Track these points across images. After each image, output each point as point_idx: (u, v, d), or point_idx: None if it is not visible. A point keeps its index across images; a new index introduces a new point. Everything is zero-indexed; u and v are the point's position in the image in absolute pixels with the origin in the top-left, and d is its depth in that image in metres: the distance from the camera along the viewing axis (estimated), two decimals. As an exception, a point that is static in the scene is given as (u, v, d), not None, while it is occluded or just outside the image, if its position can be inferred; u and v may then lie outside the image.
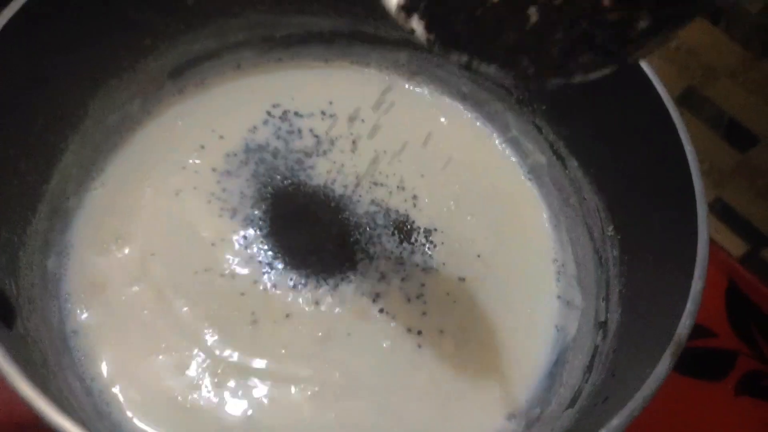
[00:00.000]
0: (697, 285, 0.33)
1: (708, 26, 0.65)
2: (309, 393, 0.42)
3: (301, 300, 0.45)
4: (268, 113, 0.54)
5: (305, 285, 0.45)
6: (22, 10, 0.38)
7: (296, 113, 0.54)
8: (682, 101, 0.71)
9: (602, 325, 0.45)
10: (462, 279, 0.48)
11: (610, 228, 0.47)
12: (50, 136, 0.44)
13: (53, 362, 0.38)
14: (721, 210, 0.75)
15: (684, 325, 0.32)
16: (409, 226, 0.49)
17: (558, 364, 0.46)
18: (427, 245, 0.49)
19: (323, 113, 0.54)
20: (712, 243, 0.73)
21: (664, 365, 0.31)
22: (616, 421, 0.28)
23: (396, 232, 0.49)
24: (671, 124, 0.39)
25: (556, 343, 0.47)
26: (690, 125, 0.70)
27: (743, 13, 0.62)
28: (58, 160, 0.45)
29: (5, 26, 0.38)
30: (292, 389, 0.42)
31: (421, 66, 0.57)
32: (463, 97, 0.57)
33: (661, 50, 0.68)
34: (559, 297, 0.49)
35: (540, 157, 0.54)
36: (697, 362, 0.61)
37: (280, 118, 0.53)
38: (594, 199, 0.49)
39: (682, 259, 0.35)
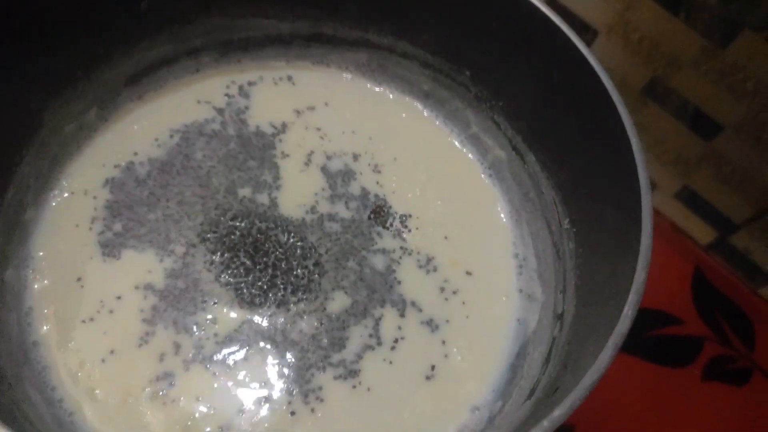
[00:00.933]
0: (639, 276, 0.33)
1: (668, 16, 0.65)
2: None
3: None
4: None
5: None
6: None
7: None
8: (646, 92, 0.71)
9: (559, 317, 0.45)
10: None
11: (567, 221, 0.47)
12: (4, 149, 0.44)
13: (11, 374, 0.39)
14: (688, 198, 0.76)
15: (626, 316, 0.32)
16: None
17: (519, 356, 0.47)
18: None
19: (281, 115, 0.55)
20: (680, 231, 0.74)
21: (605, 355, 0.31)
22: (557, 412, 0.29)
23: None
24: (619, 121, 0.39)
25: (518, 336, 0.48)
26: (656, 116, 0.72)
27: (703, 3, 0.63)
28: (14, 172, 0.45)
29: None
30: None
31: (382, 65, 0.57)
32: (425, 96, 0.58)
33: (625, 42, 0.69)
34: (520, 291, 0.50)
35: (500, 153, 0.54)
36: (664, 349, 0.62)
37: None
38: (551, 193, 0.49)
39: (630, 251, 0.36)
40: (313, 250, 0.48)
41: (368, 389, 0.44)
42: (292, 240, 0.48)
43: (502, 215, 0.53)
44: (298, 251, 0.48)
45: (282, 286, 0.46)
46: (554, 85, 0.48)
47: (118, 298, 0.45)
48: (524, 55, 0.49)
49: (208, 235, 0.48)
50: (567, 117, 0.47)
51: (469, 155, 0.56)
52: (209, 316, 0.45)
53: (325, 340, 0.45)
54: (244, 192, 0.50)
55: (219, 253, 0.47)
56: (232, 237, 0.48)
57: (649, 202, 0.36)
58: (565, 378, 0.36)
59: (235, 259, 0.47)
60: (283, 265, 0.47)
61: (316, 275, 0.47)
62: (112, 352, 0.43)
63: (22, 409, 0.37)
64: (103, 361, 0.43)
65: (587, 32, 0.72)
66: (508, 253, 0.52)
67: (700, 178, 0.74)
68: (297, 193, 0.51)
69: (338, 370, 0.44)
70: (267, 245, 0.48)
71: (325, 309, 0.46)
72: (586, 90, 0.44)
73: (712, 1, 0.62)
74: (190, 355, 0.43)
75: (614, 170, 0.41)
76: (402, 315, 0.47)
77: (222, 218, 0.49)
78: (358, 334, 0.46)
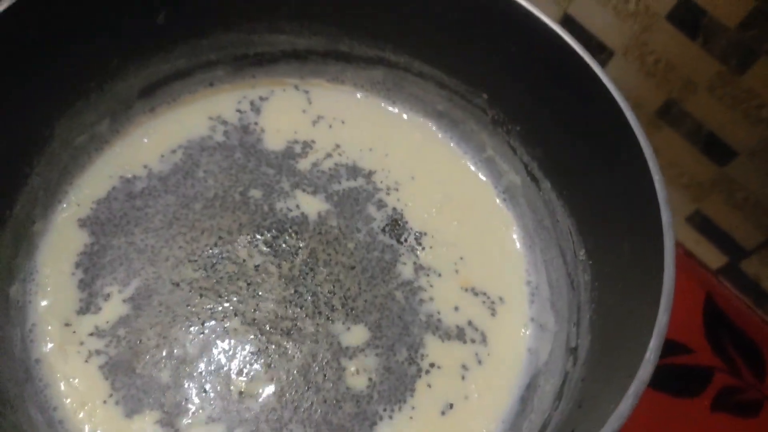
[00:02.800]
0: (662, 319, 0.33)
1: (686, 40, 0.65)
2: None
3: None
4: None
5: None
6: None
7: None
8: (661, 115, 0.71)
9: (573, 351, 0.44)
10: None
11: (582, 252, 0.46)
12: (15, 161, 0.43)
13: (13, 394, 0.38)
14: (700, 223, 0.75)
15: (648, 362, 0.32)
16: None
17: (530, 388, 0.46)
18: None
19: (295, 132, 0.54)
20: (691, 256, 0.73)
21: (626, 404, 0.30)
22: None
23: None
24: (640, 153, 0.39)
25: (529, 367, 0.47)
26: (669, 139, 0.71)
27: (721, 29, 0.62)
28: (23, 184, 0.44)
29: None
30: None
31: (397, 84, 0.57)
32: (438, 116, 0.57)
33: (641, 64, 0.68)
34: (532, 319, 0.49)
35: (514, 178, 0.54)
36: (674, 378, 0.61)
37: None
38: (567, 222, 0.49)
39: (649, 291, 0.35)
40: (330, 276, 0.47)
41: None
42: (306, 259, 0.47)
43: (516, 240, 0.53)
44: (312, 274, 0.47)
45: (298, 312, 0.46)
46: (572, 112, 0.47)
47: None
48: (542, 80, 0.48)
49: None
50: (585, 145, 0.46)
51: (483, 178, 0.55)
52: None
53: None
54: (256, 202, 0.50)
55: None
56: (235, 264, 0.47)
57: (671, 240, 0.35)
58: (580, 419, 0.35)
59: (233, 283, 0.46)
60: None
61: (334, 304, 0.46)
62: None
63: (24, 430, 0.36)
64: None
65: (603, 52, 0.71)
66: (521, 280, 0.51)
67: (712, 203, 0.73)
68: (312, 207, 0.50)
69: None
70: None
71: (340, 343, 0.45)
72: (604, 119, 0.44)
73: (731, 27, 0.62)
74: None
75: (634, 204, 0.40)
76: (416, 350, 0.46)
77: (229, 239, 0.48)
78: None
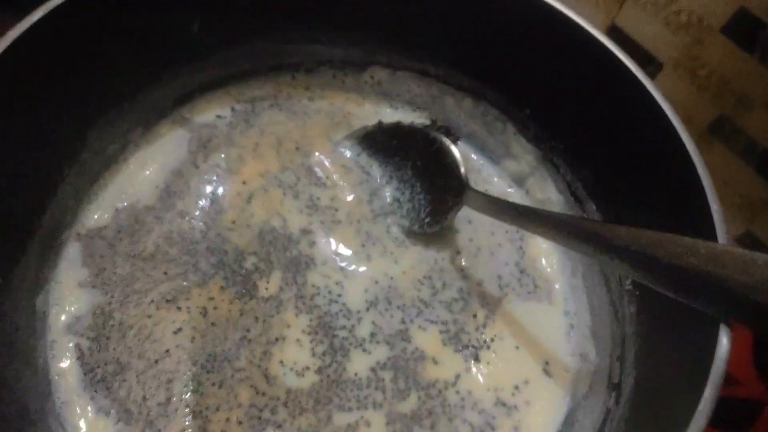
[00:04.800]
0: (717, 368, 0.30)
1: (743, 54, 0.62)
2: None
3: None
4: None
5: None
6: (20, 39, 0.37)
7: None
8: (713, 131, 0.68)
9: (615, 387, 0.42)
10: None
11: (628, 281, 0.44)
12: (47, 169, 0.43)
13: (34, 408, 0.37)
14: (750, 244, 0.71)
15: (701, 414, 0.29)
16: None
17: (567, 423, 0.44)
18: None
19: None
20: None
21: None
22: None
23: None
24: (697, 181, 0.36)
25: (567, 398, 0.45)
26: (721, 155, 0.68)
27: (781, 42, 0.59)
28: (54, 192, 0.44)
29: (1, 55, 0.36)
30: None
31: (434, 96, 0.55)
32: (477, 129, 0.55)
33: (693, 77, 0.65)
34: (569, 347, 0.47)
35: (557, 197, 0.51)
36: (720, 411, 0.58)
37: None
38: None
39: (702, 332, 0.32)
40: None
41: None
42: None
43: (556, 262, 0.50)
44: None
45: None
46: (620, 130, 0.45)
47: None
48: (588, 95, 0.46)
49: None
50: (633, 166, 0.44)
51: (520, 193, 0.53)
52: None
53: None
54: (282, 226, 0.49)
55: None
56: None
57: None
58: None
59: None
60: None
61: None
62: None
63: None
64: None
65: (651, 64, 0.68)
66: (559, 309, 0.49)
67: (763, 224, 0.70)
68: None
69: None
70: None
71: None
72: (655, 138, 0.41)
73: (792, 40, 0.58)
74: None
75: (686, 235, 0.37)
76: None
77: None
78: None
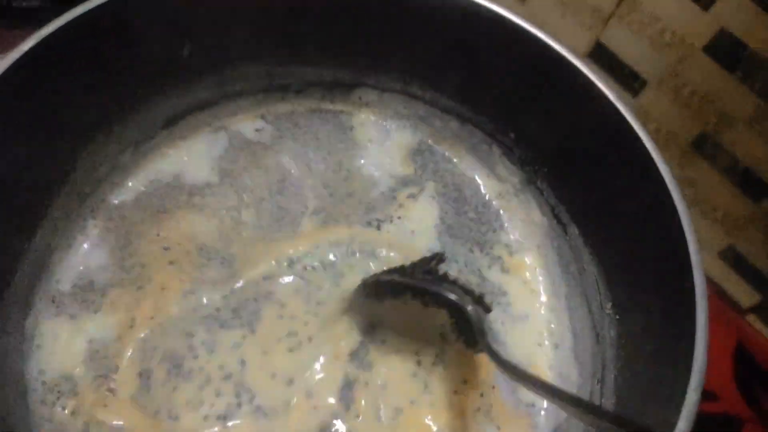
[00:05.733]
0: (691, 398, 0.31)
1: (723, 73, 0.63)
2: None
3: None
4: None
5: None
6: (10, 69, 0.37)
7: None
8: (696, 147, 0.69)
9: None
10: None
11: (609, 305, 0.45)
12: (36, 192, 0.43)
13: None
14: (733, 259, 0.73)
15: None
16: None
17: None
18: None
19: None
20: (722, 296, 0.71)
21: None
22: None
23: None
24: (674, 211, 0.37)
25: (549, 419, 0.46)
26: (703, 172, 0.69)
27: (762, 63, 0.60)
28: (44, 214, 0.44)
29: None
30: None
31: (422, 118, 0.56)
32: (463, 152, 0.56)
33: (676, 95, 0.67)
34: (550, 367, 0.48)
35: (540, 219, 0.52)
36: (701, 427, 0.59)
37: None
38: (594, 271, 0.47)
39: (680, 359, 0.33)
40: None
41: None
42: None
43: (540, 283, 0.51)
44: None
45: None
46: (601, 156, 0.46)
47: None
48: (570, 120, 0.47)
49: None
50: (614, 191, 0.45)
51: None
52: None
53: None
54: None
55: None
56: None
57: (704, 310, 0.34)
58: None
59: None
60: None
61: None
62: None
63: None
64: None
65: (635, 81, 0.69)
66: (542, 325, 0.50)
67: (746, 239, 0.71)
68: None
69: None
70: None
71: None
72: (634, 166, 0.42)
73: (772, 61, 0.59)
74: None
75: (665, 264, 0.39)
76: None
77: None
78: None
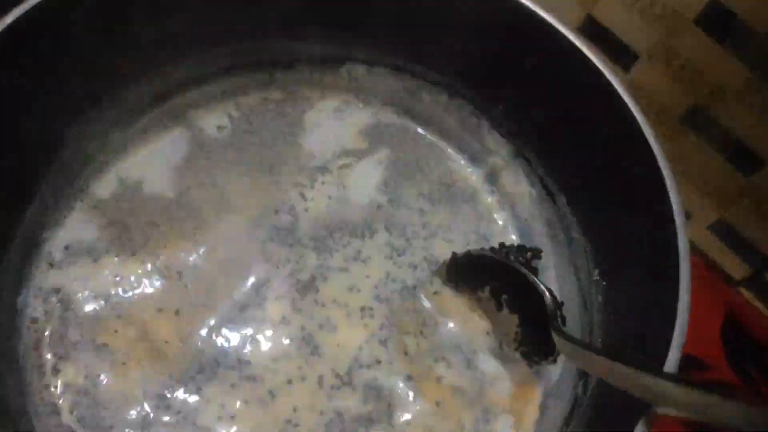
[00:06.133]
0: (674, 355, 0.32)
1: (714, 45, 0.63)
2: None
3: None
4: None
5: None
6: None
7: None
8: (687, 121, 0.69)
9: (583, 375, 0.43)
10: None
11: (596, 272, 0.45)
12: (25, 169, 0.43)
13: (17, 410, 0.38)
14: (724, 232, 0.73)
15: (656, 400, 0.31)
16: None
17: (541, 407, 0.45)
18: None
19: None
20: (712, 267, 0.71)
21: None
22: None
23: None
24: (661, 181, 0.37)
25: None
26: (695, 145, 0.69)
27: (751, 34, 0.60)
28: (34, 191, 0.44)
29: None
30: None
31: (411, 93, 0.56)
32: (450, 126, 0.56)
33: (667, 68, 0.67)
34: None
35: (528, 190, 0.53)
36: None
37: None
38: (582, 240, 0.48)
39: (664, 322, 0.34)
40: None
41: None
42: None
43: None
44: None
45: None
46: (590, 126, 0.46)
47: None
48: (559, 91, 0.47)
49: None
50: (602, 160, 0.45)
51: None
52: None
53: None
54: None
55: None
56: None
57: (687, 272, 0.34)
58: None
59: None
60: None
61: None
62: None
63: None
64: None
65: (627, 55, 0.69)
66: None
67: (737, 212, 0.71)
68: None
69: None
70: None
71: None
72: (622, 135, 0.42)
73: (762, 33, 0.59)
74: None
75: (650, 228, 0.39)
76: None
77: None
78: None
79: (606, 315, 0.43)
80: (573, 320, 0.47)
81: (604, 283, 0.44)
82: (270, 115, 0.54)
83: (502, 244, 0.48)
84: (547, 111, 0.49)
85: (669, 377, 0.29)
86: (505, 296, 0.45)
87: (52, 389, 0.41)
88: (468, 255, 0.47)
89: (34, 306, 0.44)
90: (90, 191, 0.49)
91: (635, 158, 0.41)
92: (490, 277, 0.45)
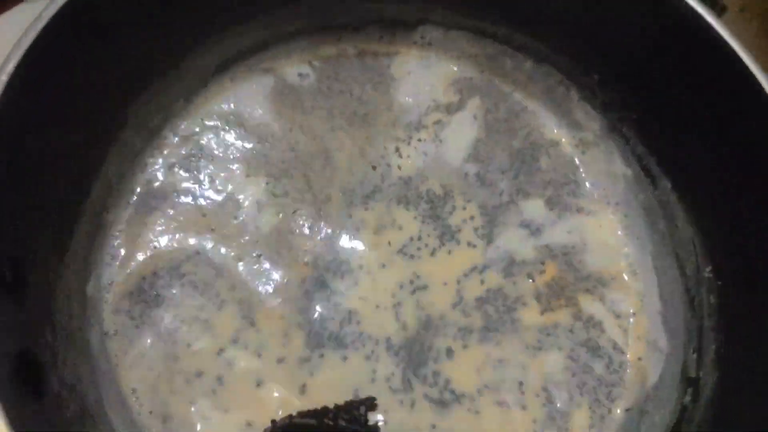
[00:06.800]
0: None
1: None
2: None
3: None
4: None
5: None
6: (56, 16, 0.34)
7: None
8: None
9: (692, 383, 0.40)
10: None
11: (708, 269, 0.41)
12: (89, 150, 0.41)
13: (92, 402, 0.37)
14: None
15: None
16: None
17: (636, 411, 0.42)
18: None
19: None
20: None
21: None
22: None
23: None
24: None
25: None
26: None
27: None
28: (97, 173, 0.42)
29: (38, 36, 0.33)
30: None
31: (493, 58, 0.51)
32: (538, 96, 0.51)
33: (762, 20, 0.59)
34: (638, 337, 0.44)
35: (624, 169, 0.48)
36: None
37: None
38: (689, 230, 0.43)
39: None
40: None
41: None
42: None
43: (620, 231, 0.47)
44: None
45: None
46: (701, 99, 0.40)
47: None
48: (665, 57, 0.41)
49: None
50: (719, 141, 0.40)
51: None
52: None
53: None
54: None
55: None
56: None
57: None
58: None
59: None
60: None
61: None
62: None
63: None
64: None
65: (714, 8, 0.62)
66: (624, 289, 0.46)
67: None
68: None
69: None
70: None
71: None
72: (743, 108, 0.37)
73: None
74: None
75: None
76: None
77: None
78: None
79: (720, 321, 0.39)
80: (677, 321, 0.43)
81: (719, 282, 0.40)
82: (354, 65, 0.50)
83: (325, 408, 0.41)
84: (652, 81, 0.43)
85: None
86: None
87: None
88: (290, 424, 0.40)
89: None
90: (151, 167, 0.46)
91: (757, 131, 0.36)
92: None
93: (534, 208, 0.48)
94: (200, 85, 0.47)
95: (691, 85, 0.41)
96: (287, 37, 0.48)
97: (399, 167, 0.48)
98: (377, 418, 0.41)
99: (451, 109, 0.50)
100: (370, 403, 0.41)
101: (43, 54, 0.33)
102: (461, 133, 0.49)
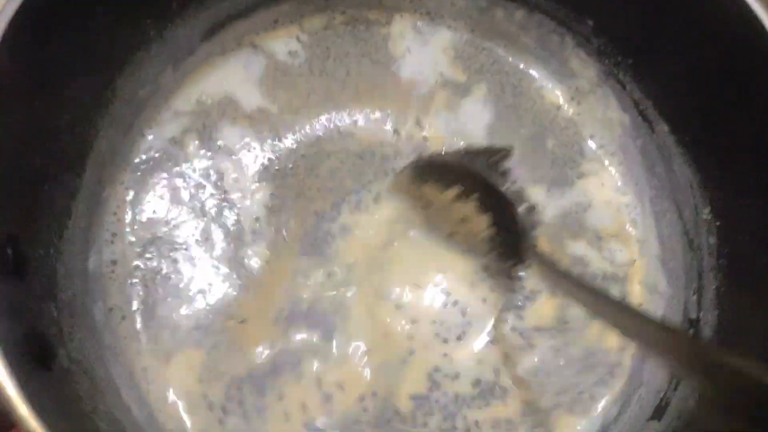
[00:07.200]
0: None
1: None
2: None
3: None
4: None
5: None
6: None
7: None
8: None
9: (693, 324, 0.40)
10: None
11: (707, 211, 0.41)
12: (79, 127, 0.40)
13: (101, 378, 0.37)
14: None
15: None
16: None
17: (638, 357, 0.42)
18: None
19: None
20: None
21: None
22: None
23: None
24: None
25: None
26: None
27: None
28: (89, 150, 0.42)
29: (15, 15, 0.33)
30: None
31: (483, 10, 0.50)
32: (532, 44, 0.50)
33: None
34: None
35: (621, 115, 0.47)
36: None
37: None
38: (686, 172, 0.43)
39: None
40: None
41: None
42: None
43: (619, 182, 0.47)
44: None
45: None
46: (697, 40, 0.40)
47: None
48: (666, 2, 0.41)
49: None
50: (716, 83, 0.39)
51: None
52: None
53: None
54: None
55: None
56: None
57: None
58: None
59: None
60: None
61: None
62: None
63: (116, 418, 0.36)
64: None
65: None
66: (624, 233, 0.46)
67: None
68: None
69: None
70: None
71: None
72: (739, 48, 0.36)
73: None
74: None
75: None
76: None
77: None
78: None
79: (721, 261, 0.39)
80: (676, 263, 0.43)
81: (718, 223, 0.40)
82: (345, 39, 0.49)
83: (467, 148, 0.45)
84: (647, 25, 0.42)
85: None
86: (476, 195, 0.41)
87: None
88: (434, 157, 0.44)
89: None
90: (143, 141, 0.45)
91: (760, 76, 0.36)
92: (458, 179, 0.42)
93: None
94: (187, 54, 0.46)
95: (688, 24, 0.40)
96: (269, 1, 0.47)
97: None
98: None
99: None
100: (506, 152, 0.43)
101: (23, 29, 0.32)
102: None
